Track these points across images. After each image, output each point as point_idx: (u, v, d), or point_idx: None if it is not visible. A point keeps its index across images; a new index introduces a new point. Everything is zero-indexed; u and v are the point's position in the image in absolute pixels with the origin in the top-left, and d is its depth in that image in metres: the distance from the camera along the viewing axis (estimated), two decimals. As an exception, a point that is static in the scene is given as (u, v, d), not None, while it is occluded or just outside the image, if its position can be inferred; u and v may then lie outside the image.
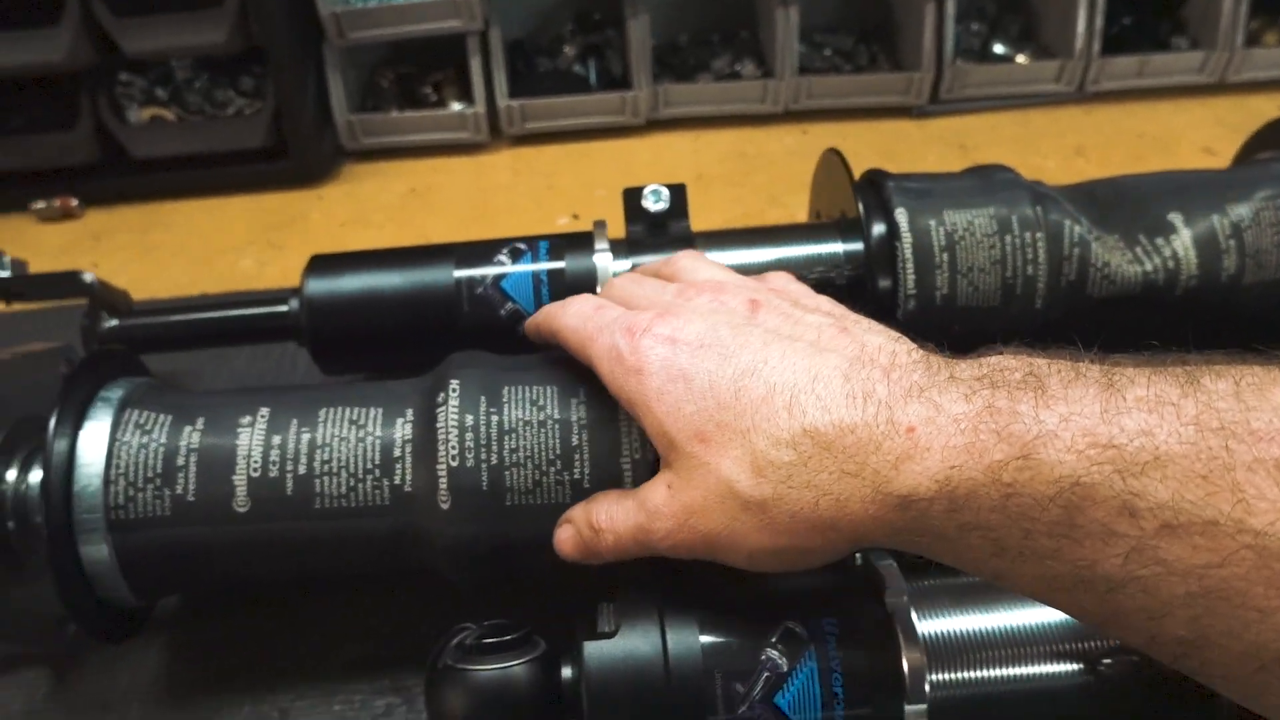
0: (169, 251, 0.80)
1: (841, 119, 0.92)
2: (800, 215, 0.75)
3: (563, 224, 0.79)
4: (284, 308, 0.59)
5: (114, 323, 0.59)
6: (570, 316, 0.43)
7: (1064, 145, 0.88)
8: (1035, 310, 0.57)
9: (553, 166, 0.87)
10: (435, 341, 0.58)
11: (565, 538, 0.42)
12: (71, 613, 0.44)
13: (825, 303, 0.41)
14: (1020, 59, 0.93)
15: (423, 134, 0.88)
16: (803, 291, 0.44)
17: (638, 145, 0.90)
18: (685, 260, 0.47)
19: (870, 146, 0.89)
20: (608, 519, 0.40)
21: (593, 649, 0.39)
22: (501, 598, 0.47)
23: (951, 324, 0.57)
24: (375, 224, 0.82)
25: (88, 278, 0.59)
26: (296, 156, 0.83)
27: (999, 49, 0.94)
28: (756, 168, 0.86)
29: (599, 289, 0.52)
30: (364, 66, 0.92)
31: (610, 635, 0.40)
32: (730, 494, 0.35)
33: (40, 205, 0.83)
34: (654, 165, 0.87)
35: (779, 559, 0.36)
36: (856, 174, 0.59)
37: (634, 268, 0.57)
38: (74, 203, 0.83)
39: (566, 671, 0.41)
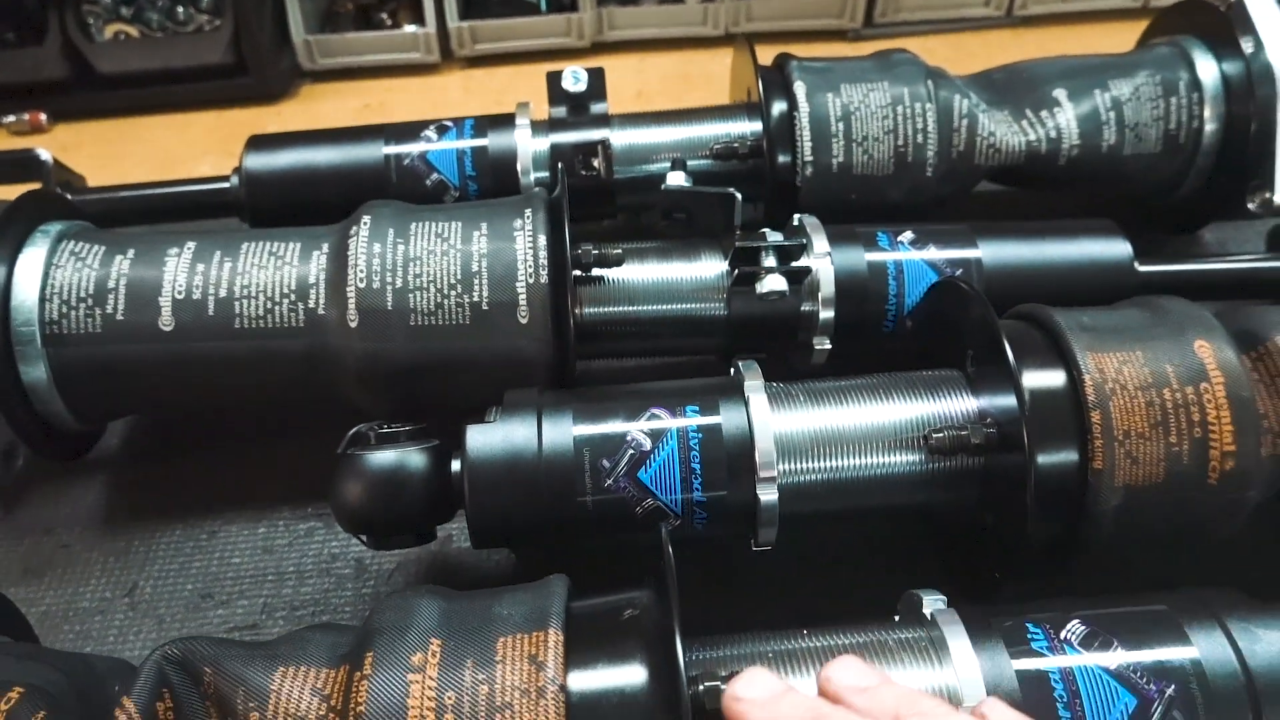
0: (134, 162, 0.84)
1: (779, 41, 0.95)
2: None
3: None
4: (225, 184, 0.63)
5: (70, 198, 0.63)
6: None
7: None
8: (927, 179, 0.61)
9: (503, 86, 0.91)
10: (365, 211, 0.62)
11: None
12: (13, 427, 0.48)
13: None
14: (954, -14, 0.97)
15: (376, 54, 0.92)
16: None
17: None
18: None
19: (808, 68, 0.93)
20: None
21: (474, 432, 0.43)
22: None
23: (849, 192, 0.61)
24: (329, 135, 0.86)
25: (43, 155, 0.63)
26: (256, 73, 0.87)
27: (933, -23, 0.98)
28: (696, 85, 0.90)
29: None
30: (325, -3, 0.96)
31: (489, 423, 0.43)
32: None
33: (10, 120, 0.87)
34: (598, 83, 0.90)
35: None
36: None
37: (553, 147, 0.61)
38: (42, 118, 0.87)
39: (456, 465, 0.44)
